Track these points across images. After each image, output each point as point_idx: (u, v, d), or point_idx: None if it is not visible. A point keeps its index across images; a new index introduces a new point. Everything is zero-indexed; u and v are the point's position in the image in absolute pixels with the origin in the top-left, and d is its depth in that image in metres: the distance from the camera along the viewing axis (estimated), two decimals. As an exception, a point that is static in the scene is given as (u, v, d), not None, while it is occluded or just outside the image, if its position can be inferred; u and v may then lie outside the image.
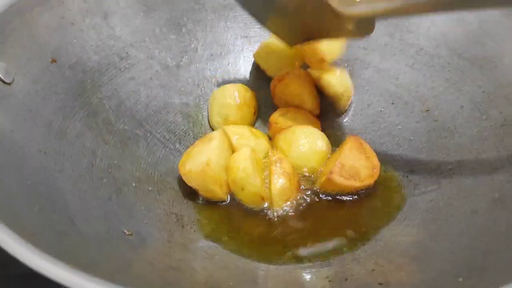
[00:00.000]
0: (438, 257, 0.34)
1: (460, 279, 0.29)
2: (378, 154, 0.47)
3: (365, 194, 0.44)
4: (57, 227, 0.32)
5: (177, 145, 0.49)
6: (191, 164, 0.42)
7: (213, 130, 0.50)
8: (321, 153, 0.45)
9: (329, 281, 0.35)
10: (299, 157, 0.45)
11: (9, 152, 0.35)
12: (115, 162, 0.44)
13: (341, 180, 0.42)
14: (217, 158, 0.42)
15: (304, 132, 0.46)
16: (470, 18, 0.48)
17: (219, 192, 0.42)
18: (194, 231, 0.41)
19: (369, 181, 0.43)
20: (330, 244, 0.40)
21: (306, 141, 0.45)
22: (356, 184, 0.43)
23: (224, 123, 0.49)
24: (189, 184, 0.43)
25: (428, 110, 0.47)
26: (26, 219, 0.27)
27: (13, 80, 0.40)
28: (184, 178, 0.43)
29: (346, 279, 0.35)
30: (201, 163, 0.41)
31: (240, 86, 0.51)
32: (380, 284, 0.33)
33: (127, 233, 0.37)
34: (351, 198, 0.43)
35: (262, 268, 0.38)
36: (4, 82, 0.39)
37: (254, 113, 0.51)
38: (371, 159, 0.44)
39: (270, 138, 0.48)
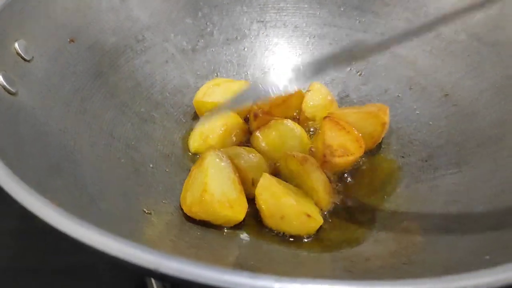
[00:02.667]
0: (461, 238, 0.33)
1: (487, 257, 0.28)
2: (396, 138, 0.47)
3: (381, 178, 0.44)
4: (79, 203, 0.32)
5: (193, 128, 0.49)
6: (191, 196, 0.38)
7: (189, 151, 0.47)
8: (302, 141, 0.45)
9: (351, 261, 0.35)
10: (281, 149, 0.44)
11: (33, 128, 0.35)
12: (132, 143, 0.43)
13: (336, 159, 0.42)
14: (215, 179, 0.37)
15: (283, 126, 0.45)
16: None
17: (232, 215, 0.37)
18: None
19: (360, 152, 0.44)
20: (350, 227, 0.39)
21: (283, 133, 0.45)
22: (350, 158, 0.43)
23: (203, 144, 0.46)
24: (199, 219, 0.38)
25: (447, 95, 0.47)
26: (52, 192, 0.27)
27: (33, 58, 0.40)
28: (189, 215, 0.38)
29: (368, 259, 0.35)
30: (199, 191, 0.37)
31: (230, 114, 0.47)
32: (404, 264, 0.32)
33: (146, 211, 0.37)
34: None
35: (284, 250, 0.38)
36: (24, 59, 0.39)
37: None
38: (352, 133, 0.44)
39: (251, 132, 0.47)
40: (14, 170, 0.26)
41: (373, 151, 0.46)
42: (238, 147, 0.44)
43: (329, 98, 0.48)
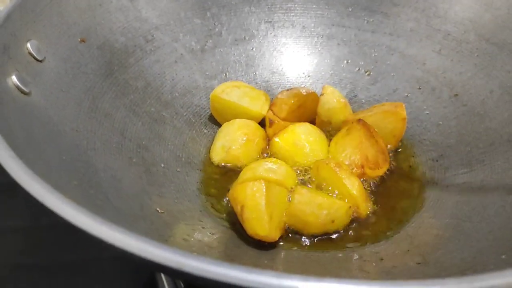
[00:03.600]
0: (475, 237, 0.33)
1: (504, 256, 0.29)
2: (405, 138, 0.47)
3: (394, 179, 0.44)
4: (95, 201, 0.32)
5: (203, 128, 0.49)
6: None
7: (213, 163, 0.46)
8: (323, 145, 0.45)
9: (364, 260, 0.35)
10: (305, 153, 0.44)
11: (46, 127, 0.35)
12: (143, 142, 0.43)
13: (370, 172, 0.42)
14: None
15: (302, 129, 0.45)
16: (499, 3, 0.47)
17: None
18: (228, 211, 0.40)
19: (386, 166, 0.43)
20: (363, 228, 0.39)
21: (303, 137, 0.44)
22: (379, 172, 0.43)
23: (226, 157, 0.45)
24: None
25: (456, 95, 0.47)
26: (66, 192, 0.27)
27: (45, 58, 0.40)
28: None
29: (382, 259, 0.35)
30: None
31: (249, 122, 0.47)
32: (418, 263, 0.33)
33: (159, 211, 0.37)
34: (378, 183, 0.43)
35: (294, 248, 0.38)
36: (37, 59, 0.39)
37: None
38: (379, 143, 0.43)
39: (269, 139, 0.46)
40: (33, 169, 0.26)
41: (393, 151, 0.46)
42: (263, 161, 0.42)
43: (342, 101, 0.48)
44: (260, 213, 0.35)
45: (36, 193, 0.24)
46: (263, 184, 0.35)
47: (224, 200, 0.42)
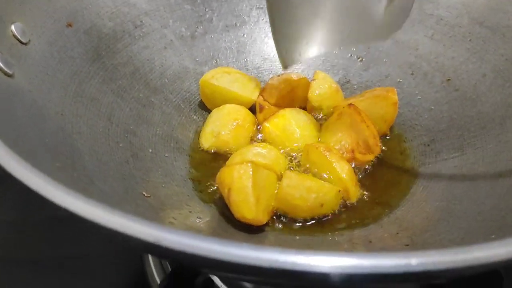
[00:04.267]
0: (464, 219, 0.33)
1: (493, 236, 0.28)
2: (397, 124, 0.47)
3: (384, 163, 0.43)
4: (78, 184, 0.31)
5: (192, 114, 0.48)
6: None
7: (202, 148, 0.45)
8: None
9: (353, 243, 0.35)
10: (295, 138, 0.43)
11: (30, 110, 0.34)
12: (131, 127, 0.43)
13: (360, 156, 0.41)
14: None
15: (292, 114, 0.44)
16: (492, -14, 0.47)
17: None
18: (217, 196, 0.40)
19: (377, 151, 0.42)
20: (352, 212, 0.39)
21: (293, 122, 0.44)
22: (370, 157, 0.42)
23: (216, 142, 0.44)
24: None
25: (449, 80, 0.46)
26: (49, 174, 0.26)
27: (29, 40, 0.39)
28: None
29: (370, 241, 0.34)
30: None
31: (239, 108, 0.46)
32: (407, 245, 0.32)
33: (145, 195, 0.37)
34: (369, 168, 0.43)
35: (283, 232, 0.37)
36: (21, 42, 0.38)
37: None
38: (370, 128, 0.42)
39: (259, 125, 0.46)
40: (11, 147, 0.25)
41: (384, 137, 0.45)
42: (253, 146, 0.42)
43: (334, 86, 0.47)
44: (247, 196, 0.34)
45: (12, 170, 0.24)
46: (250, 167, 0.35)
47: (213, 185, 0.41)
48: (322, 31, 0.41)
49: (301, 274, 0.20)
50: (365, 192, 0.40)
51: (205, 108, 0.49)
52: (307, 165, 0.41)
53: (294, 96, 0.47)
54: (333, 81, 0.48)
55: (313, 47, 0.42)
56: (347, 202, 0.39)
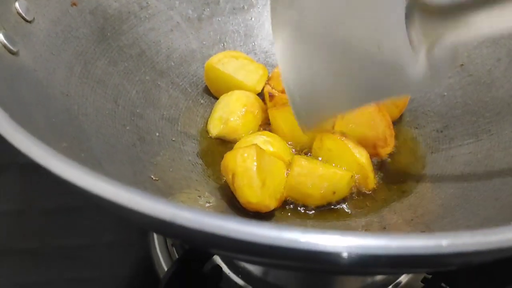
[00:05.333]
0: (482, 205, 0.32)
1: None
2: (408, 110, 0.46)
3: (397, 151, 0.42)
4: (87, 165, 0.30)
5: (200, 99, 0.47)
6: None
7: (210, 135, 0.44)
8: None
9: (366, 229, 0.34)
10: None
11: (35, 89, 0.33)
12: (137, 111, 0.42)
13: (381, 151, 0.40)
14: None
15: None
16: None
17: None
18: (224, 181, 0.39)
19: (393, 141, 0.41)
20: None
21: None
22: (388, 150, 0.41)
23: (224, 128, 0.43)
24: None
25: (462, 65, 0.45)
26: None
27: (34, 19, 0.38)
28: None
29: (384, 228, 0.34)
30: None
31: (248, 94, 0.45)
32: (423, 231, 0.31)
33: (154, 178, 0.36)
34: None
35: (294, 218, 0.36)
36: (26, 20, 0.37)
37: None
38: (386, 117, 0.41)
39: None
40: (18, 123, 0.24)
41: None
42: (259, 134, 0.41)
43: None
44: (251, 179, 0.33)
45: (20, 144, 0.23)
46: (254, 149, 0.34)
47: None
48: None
49: (323, 255, 0.19)
50: (378, 179, 0.39)
51: (212, 93, 0.48)
52: (322, 153, 0.39)
53: None
54: None
55: None
56: (364, 189, 0.38)
